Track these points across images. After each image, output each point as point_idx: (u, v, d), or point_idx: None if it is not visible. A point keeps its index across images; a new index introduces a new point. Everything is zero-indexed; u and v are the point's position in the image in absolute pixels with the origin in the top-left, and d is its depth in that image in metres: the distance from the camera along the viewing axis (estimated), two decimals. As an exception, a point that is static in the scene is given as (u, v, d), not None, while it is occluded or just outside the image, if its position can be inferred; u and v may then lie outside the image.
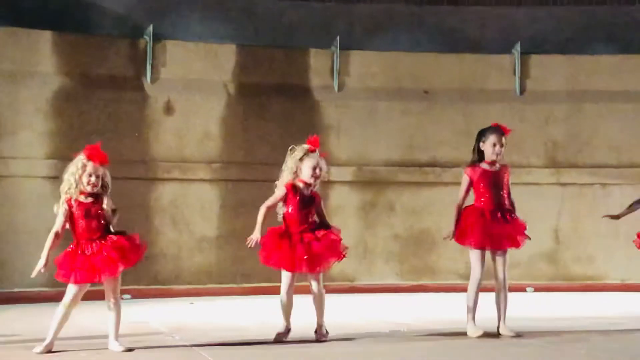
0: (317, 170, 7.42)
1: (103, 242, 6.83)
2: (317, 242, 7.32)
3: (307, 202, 7.41)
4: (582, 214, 13.69)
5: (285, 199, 7.42)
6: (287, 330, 7.41)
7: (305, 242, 7.30)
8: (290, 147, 7.52)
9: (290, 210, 7.39)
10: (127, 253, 6.88)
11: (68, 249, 6.87)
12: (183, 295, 12.30)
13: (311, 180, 7.42)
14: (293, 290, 7.42)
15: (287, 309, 7.41)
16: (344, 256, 7.46)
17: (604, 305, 11.07)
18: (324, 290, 7.45)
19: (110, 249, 6.81)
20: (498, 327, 7.57)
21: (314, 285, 7.40)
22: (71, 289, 6.82)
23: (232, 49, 13.35)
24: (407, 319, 9.24)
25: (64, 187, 6.92)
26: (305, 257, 7.25)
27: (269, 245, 7.39)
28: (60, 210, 6.88)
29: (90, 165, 6.89)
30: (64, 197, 6.90)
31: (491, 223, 7.54)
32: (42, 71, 12.52)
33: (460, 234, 7.64)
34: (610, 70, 13.82)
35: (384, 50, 13.76)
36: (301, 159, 7.42)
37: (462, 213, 7.67)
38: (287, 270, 7.37)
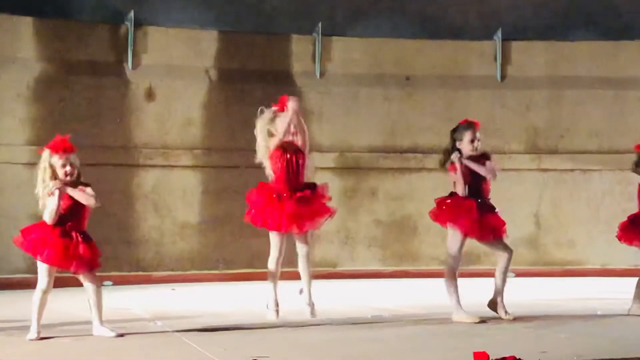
0: (292, 127, 7.47)
1: (80, 236, 6.79)
2: (307, 202, 7.42)
3: (294, 161, 7.46)
4: (563, 200, 13.77)
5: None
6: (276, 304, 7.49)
7: (294, 200, 7.38)
8: (259, 109, 7.56)
9: (278, 172, 7.44)
10: (94, 258, 6.86)
11: (42, 224, 6.83)
12: (165, 281, 12.29)
13: (288, 138, 7.46)
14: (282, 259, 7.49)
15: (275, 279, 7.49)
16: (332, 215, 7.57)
17: (585, 290, 11.13)
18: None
19: (87, 248, 6.78)
20: (498, 304, 7.68)
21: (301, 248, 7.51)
22: (42, 271, 6.79)
23: (213, 35, 13.32)
24: (389, 305, 9.27)
25: (39, 190, 6.85)
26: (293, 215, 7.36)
27: (259, 204, 7.44)
28: (55, 196, 6.79)
29: (57, 158, 6.85)
30: (45, 193, 6.84)
31: (483, 212, 7.60)
32: (22, 57, 12.45)
33: (452, 216, 7.67)
34: (590, 56, 13.87)
35: (365, 36, 13.76)
36: (272, 120, 7.47)
37: (450, 201, 7.72)
38: (275, 229, 7.40)
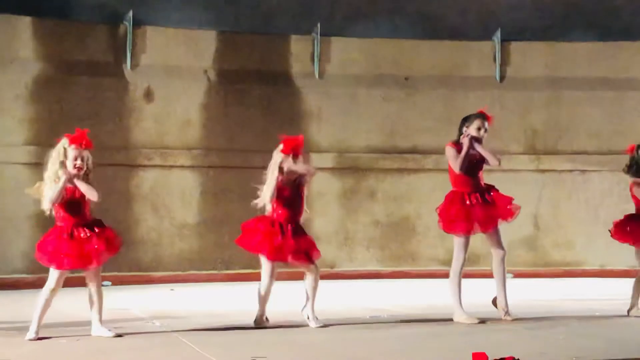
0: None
1: (92, 230, 6.81)
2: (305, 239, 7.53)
3: (293, 195, 7.47)
4: (562, 201, 13.76)
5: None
6: (265, 318, 7.48)
7: (295, 236, 7.45)
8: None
9: (277, 204, 7.48)
10: (112, 243, 6.89)
11: (51, 233, 6.85)
12: (163, 281, 12.29)
13: (290, 167, 7.51)
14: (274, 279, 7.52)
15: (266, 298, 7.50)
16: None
17: (583, 290, 11.14)
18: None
19: (99, 238, 6.80)
20: (498, 304, 7.75)
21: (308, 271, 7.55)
22: (55, 273, 6.80)
23: (212, 35, 13.31)
24: (388, 305, 9.27)
25: (49, 174, 6.87)
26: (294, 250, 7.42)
27: (258, 233, 7.46)
28: (60, 182, 6.78)
29: (72, 149, 6.86)
30: (50, 179, 6.85)
31: (474, 207, 7.64)
32: (21, 57, 12.44)
33: (447, 223, 7.75)
34: (589, 57, 13.87)
35: (364, 36, 13.75)
36: (282, 161, 7.50)
37: (444, 200, 7.78)
38: (273, 259, 7.42)
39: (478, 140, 7.72)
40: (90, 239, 6.79)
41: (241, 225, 7.70)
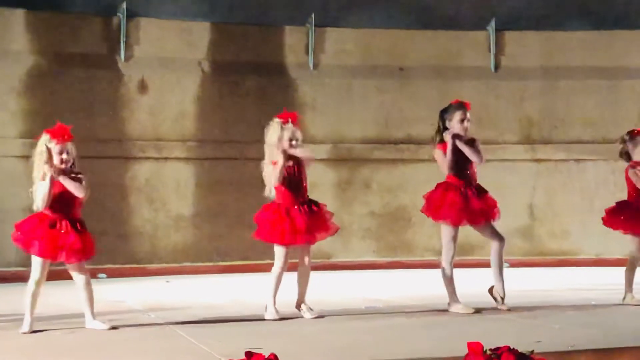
0: (294, 142, 7.46)
1: (74, 228, 6.77)
2: (313, 215, 7.46)
3: (295, 175, 7.45)
4: (557, 190, 13.77)
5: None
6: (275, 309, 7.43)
7: (302, 214, 7.39)
8: (265, 127, 7.55)
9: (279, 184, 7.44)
10: (88, 248, 6.84)
11: (32, 217, 6.82)
12: (159, 273, 12.28)
13: (291, 152, 7.45)
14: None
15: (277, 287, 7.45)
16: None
17: (579, 280, 11.14)
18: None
19: (78, 237, 6.75)
20: (494, 293, 7.73)
21: (305, 259, 7.50)
22: (37, 263, 6.77)
23: (206, 27, 13.28)
24: (384, 296, 9.27)
25: (37, 174, 6.83)
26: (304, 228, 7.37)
27: (267, 221, 7.41)
28: (46, 181, 6.74)
29: (55, 145, 6.82)
30: (38, 177, 6.82)
31: (467, 199, 7.61)
32: (15, 50, 12.42)
33: (437, 211, 7.70)
34: (584, 46, 13.86)
35: (359, 27, 13.73)
36: (280, 134, 7.47)
37: (437, 189, 7.74)
38: (288, 243, 7.38)
39: (460, 137, 7.64)
40: (68, 234, 6.75)
41: (254, 219, 7.65)
